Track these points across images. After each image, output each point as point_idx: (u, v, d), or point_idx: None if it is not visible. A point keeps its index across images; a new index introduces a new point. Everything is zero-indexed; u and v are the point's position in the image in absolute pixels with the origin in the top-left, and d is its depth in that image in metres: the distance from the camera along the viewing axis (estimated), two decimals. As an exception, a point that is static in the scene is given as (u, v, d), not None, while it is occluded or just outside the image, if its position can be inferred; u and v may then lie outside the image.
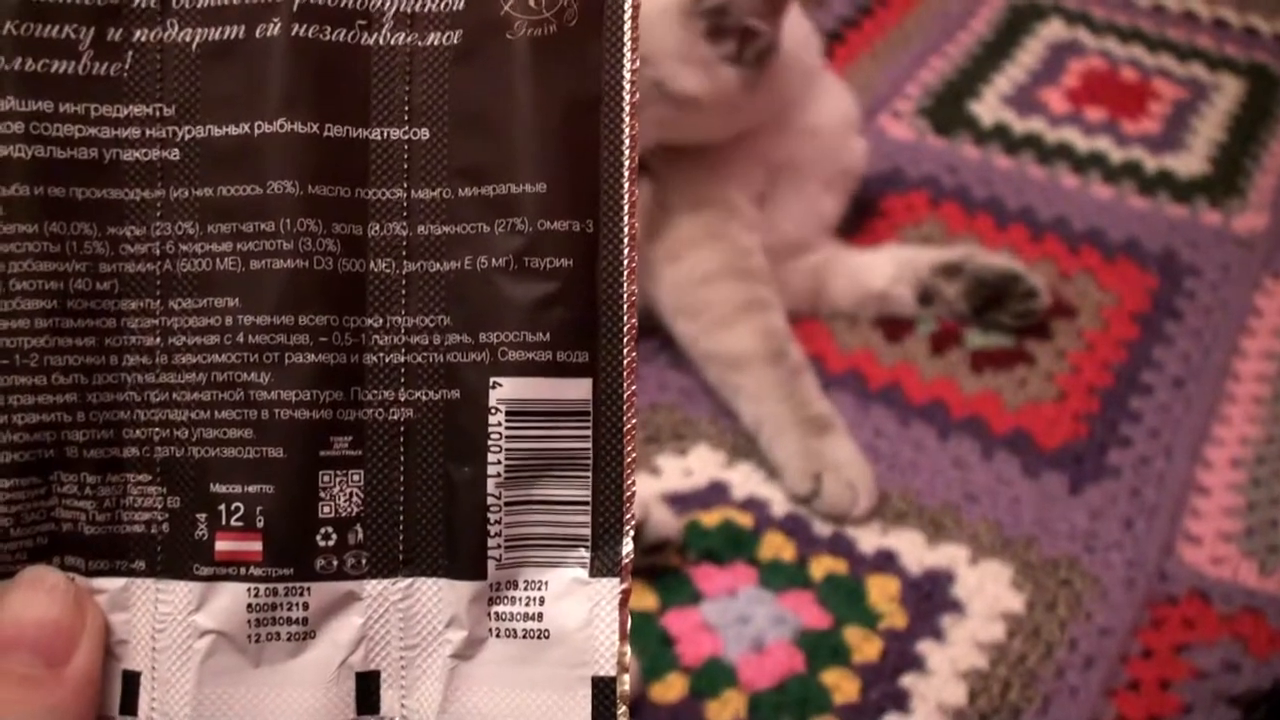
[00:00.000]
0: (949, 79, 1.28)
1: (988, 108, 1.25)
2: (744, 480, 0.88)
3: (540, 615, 0.34)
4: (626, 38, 0.34)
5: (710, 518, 0.84)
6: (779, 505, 0.86)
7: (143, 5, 0.34)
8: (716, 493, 0.87)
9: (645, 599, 0.79)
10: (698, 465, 0.89)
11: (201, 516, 0.34)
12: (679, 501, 0.85)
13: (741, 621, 0.78)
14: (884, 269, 1.01)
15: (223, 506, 0.34)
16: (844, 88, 1.05)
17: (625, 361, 0.34)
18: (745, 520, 0.84)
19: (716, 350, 0.92)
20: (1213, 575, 0.84)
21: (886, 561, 0.83)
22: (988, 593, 0.81)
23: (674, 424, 0.92)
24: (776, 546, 0.83)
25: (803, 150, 0.99)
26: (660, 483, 0.87)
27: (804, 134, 0.99)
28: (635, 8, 0.34)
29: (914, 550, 0.84)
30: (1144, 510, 0.87)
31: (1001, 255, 1.02)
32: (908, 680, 0.76)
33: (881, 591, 0.81)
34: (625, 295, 0.34)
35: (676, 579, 0.80)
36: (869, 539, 0.84)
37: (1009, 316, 0.99)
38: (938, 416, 0.93)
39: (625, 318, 0.34)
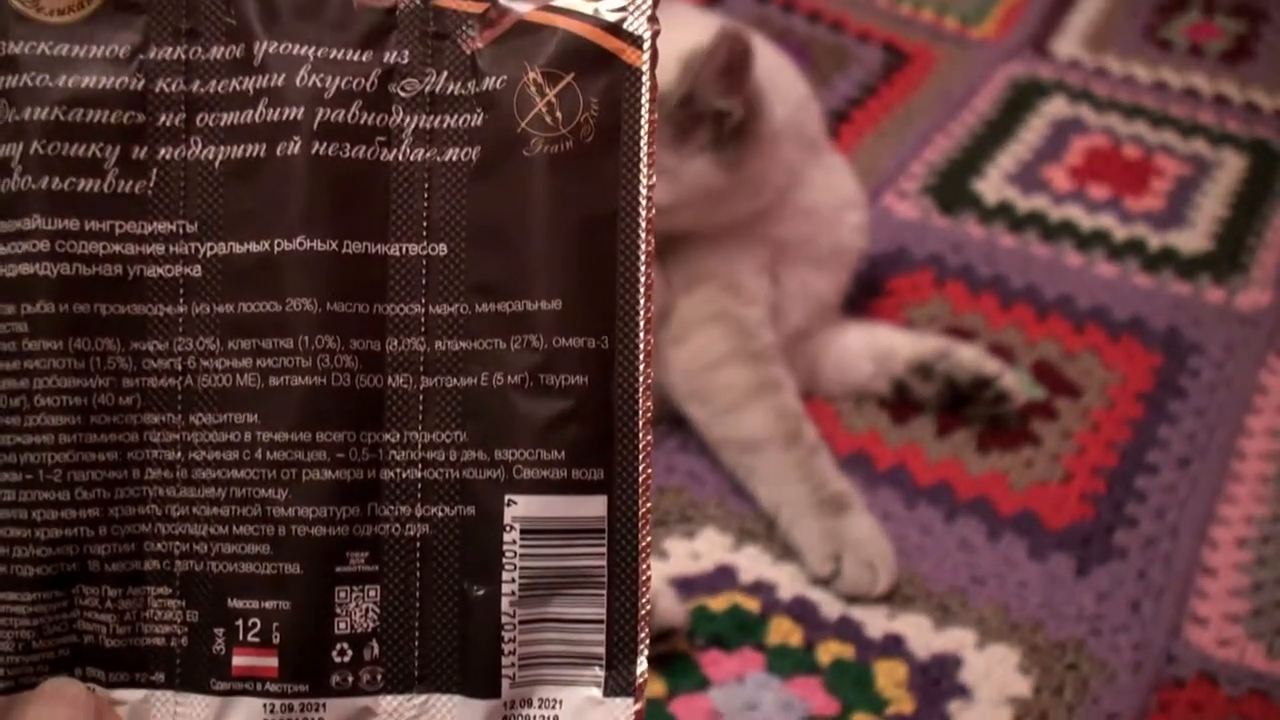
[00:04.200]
0: (953, 157, 1.29)
1: (992, 186, 1.26)
2: (751, 564, 0.88)
3: (555, 732, 0.34)
4: (643, 153, 0.35)
5: (717, 602, 0.84)
6: (786, 588, 0.86)
7: (167, 124, 0.34)
8: (724, 577, 0.87)
9: (653, 686, 0.78)
10: (705, 548, 0.89)
11: (219, 631, 0.34)
12: (686, 585, 0.85)
13: (749, 708, 0.78)
14: (864, 367, 1.01)
15: (240, 622, 0.34)
16: (842, 162, 1.05)
17: (641, 479, 0.34)
18: (752, 605, 0.84)
19: (730, 435, 0.92)
20: (1219, 657, 0.83)
21: (894, 646, 0.83)
22: (995, 677, 0.81)
23: (681, 506, 0.92)
24: (784, 631, 0.83)
25: (797, 229, 0.99)
26: (668, 566, 0.87)
27: (801, 212, 0.98)
28: (652, 124, 0.35)
29: (921, 634, 0.83)
30: (1150, 592, 0.87)
31: (978, 353, 1.01)
32: (916, 768, 0.75)
33: (889, 677, 0.81)
34: (640, 411, 0.34)
35: (684, 665, 0.80)
36: (876, 623, 0.84)
37: (981, 418, 1.00)
38: (944, 498, 0.93)
39: (641, 434, 0.34)
